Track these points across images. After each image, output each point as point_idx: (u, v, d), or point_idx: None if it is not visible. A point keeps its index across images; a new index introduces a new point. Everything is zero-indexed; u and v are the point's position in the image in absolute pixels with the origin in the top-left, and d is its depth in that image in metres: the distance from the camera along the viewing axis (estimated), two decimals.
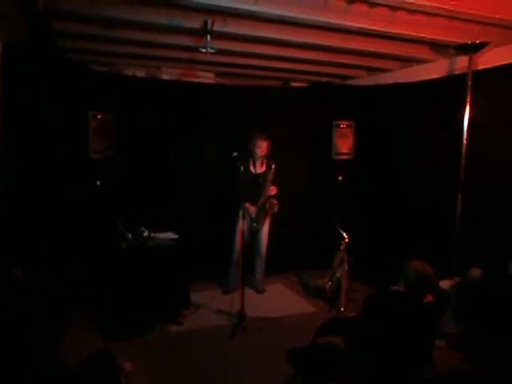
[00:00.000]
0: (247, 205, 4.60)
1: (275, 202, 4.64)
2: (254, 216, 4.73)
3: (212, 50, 3.77)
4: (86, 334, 3.73)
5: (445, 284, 2.99)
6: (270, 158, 4.69)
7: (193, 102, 5.05)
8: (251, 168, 4.73)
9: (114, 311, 3.83)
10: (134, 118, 4.75)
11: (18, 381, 1.70)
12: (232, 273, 4.87)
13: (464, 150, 3.95)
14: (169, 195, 5.00)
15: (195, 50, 4.02)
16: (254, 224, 4.76)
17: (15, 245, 3.25)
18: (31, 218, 3.58)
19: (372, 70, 5.39)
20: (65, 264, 3.81)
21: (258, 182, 4.70)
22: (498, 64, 3.84)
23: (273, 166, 4.63)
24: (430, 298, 2.31)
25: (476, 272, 2.81)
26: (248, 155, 4.66)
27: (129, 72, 5.23)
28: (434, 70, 4.58)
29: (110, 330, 3.77)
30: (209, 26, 3.53)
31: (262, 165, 4.75)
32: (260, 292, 5.03)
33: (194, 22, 3.56)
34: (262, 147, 4.63)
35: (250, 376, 3.10)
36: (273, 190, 4.66)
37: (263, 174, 4.71)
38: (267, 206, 4.66)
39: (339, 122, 5.07)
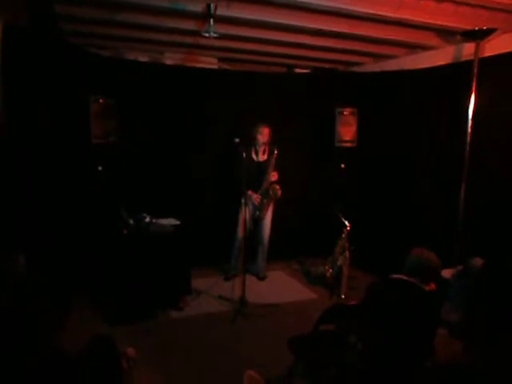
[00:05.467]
0: (250, 192, 4.60)
1: (278, 187, 4.63)
2: (257, 204, 4.72)
3: (215, 35, 3.72)
4: (88, 319, 3.75)
5: (446, 273, 2.99)
6: (272, 144, 4.67)
7: (195, 87, 5.01)
8: (253, 156, 4.71)
9: (116, 297, 3.86)
10: (136, 103, 4.71)
11: (17, 366, 1.71)
12: (234, 259, 4.89)
13: (468, 138, 3.91)
14: (171, 181, 4.99)
15: (198, 34, 3.97)
16: (257, 212, 4.76)
17: (16, 230, 3.25)
18: (32, 203, 3.58)
19: (377, 57, 5.33)
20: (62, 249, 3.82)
21: (261, 169, 4.68)
22: (505, 51, 3.79)
23: (275, 152, 4.61)
24: (432, 286, 2.30)
25: (478, 261, 2.80)
26: (250, 143, 4.64)
27: (131, 56, 5.18)
28: (440, 56, 4.52)
29: (111, 315, 3.80)
30: (212, 10, 3.47)
31: (264, 152, 4.74)
32: (261, 279, 5.05)
33: (197, 6, 3.51)
34: (263, 133, 4.61)
35: (251, 362, 3.12)
36: (274, 176, 4.65)
37: (266, 161, 4.69)
38: (271, 192, 4.65)
39: (343, 109, 5.01)
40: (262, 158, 4.74)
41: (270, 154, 4.67)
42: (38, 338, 1.89)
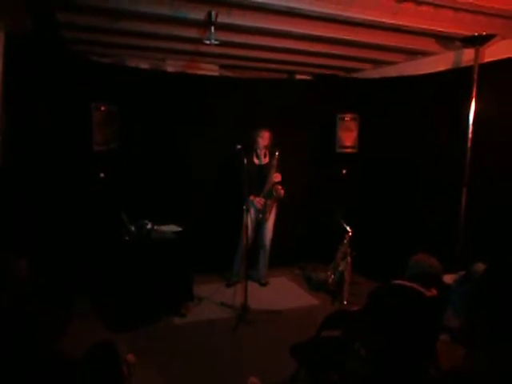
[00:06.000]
0: (252, 197, 4.61)
1: (280, 187, 4.63)
2: (260, 206, 4.72)
3: (216, 42, 3.75)
4: (89, 325, 3.75)
5: (448, 278, 2.98)
6: (273, 147, 4.70)
7: (196, 94, 5.04)
8: (255, 160, 4.73)
9: (118, 303, 3.85)
10: (137, 110, 4.74)
11: (17, 370, 1.71)
12: (236, 266, 4.87)
13: (469, 143, 3.92)
14: (172, 187, 5.00)
15: (199, 41, 3.99)
16: (260, 215, 4.76)
17: (18, 235, 3.25)
18: (34, 209, 3.58)
19: (377, 63, 5.35)
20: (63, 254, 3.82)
21: (263, 172, 4.70)
22: (504, 57, 3.80)
23: (277, 153, 4.63)
24: (434, 291, 2.30)
25: (480, 267, 2.79)
26: (251, 147, 4.66)
27: (133, 63, 5.21)
28: (440, 62, 4.54)
29: (113, 321, 3.79)
30: (213, 18, 3.50)
31: (265, 156, 4.75)
32: (263, 285, 5.04)
33: (199, 14, 3.53)
34: (264, 137, 4.64)
35: (253, 368, 3.11)
36: (277, 177, 4.66)
37: (268, 165, 4.71)
38: (274, 193, 4.66)
39: (343, 115, 5.04)
40: (264, 161, 4.75)
41: (272, 155, 4.68)
42: (38, 339, 1.89)
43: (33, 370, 1.70)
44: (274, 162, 4.64)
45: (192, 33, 4.00)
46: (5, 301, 1.99)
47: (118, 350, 2.04)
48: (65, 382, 1.78)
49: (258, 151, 4.74)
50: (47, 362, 1.75)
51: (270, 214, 4.81)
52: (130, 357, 2.81)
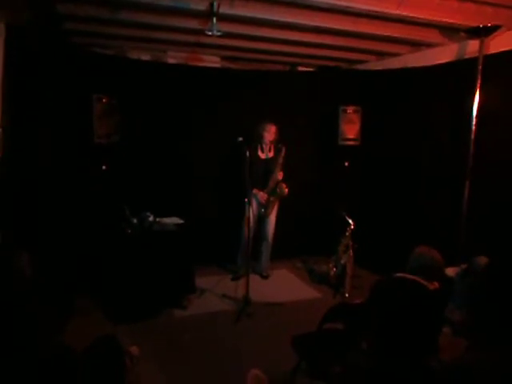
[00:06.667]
0: (255, 190, 4.59)
1: (284, 185, 4.63)
2: (263, 201, 4.71)
3: (218, 33, 3.72)
4: (90, 319, 3.76)
5: (451, 271, 2.97)
6: (278, 142, 4.67)
7: (198, 86, 5.01)
8: (259, 153, 4.71)
9: (120, 296, 3.86)
10: (139, 102, 4.72)
11: (17, 366, 1.71)
12: (241, 259, 4.87)
13: (473, 136, 3.89)
14: (175, 180, 4.99)
15: (201, 32, 3.96)
16: (263, 210, 4.75)
17: (18, 231, 3.25)
18: (35, 203, 3.58)
19: (380, 55, 5.31)
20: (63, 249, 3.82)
21: (267, 166, 4.68)
22: (510, 48, 3.76)
23: (283, 150, 4.60)
24: (436, 284, 2.29)
25: (482, 260, 2.78)
26: (256, 140, 4.64)
27: (134, 55, 5.18)
28: (444, 54, 4.49)
29: (115, 314, 3.81)
30: (215, 8, 3.47)
31: (270, 150, 4.73)
32: (265, 277, 5.04)
33: (200, 4, 3.50)
34: (270, 131, 4.61)
35: (254, 361, 3.11)
36: (280, 175, 4.65)
37: (272, 159, 4.68)
38: (278, 191, 4.65)
39: (346, 107, 5.01)
40: (269, 155, 4.73)
41: (277, 151, 4.66)
42: (38, 338, 1.89)
43: (33, 369, 1.70)
44: (280, 160, 4.62)
45: (194, 24, 3.96)
46: (5, 298, 1.99)
47: (121, 342, 2.05)
48: (67, 375, 1.79)
49: (264, 145, 4.71)
50: (48, 358, 1.75)
51: (272, 209, 4.81)
52: (134, 349, 2.82)
